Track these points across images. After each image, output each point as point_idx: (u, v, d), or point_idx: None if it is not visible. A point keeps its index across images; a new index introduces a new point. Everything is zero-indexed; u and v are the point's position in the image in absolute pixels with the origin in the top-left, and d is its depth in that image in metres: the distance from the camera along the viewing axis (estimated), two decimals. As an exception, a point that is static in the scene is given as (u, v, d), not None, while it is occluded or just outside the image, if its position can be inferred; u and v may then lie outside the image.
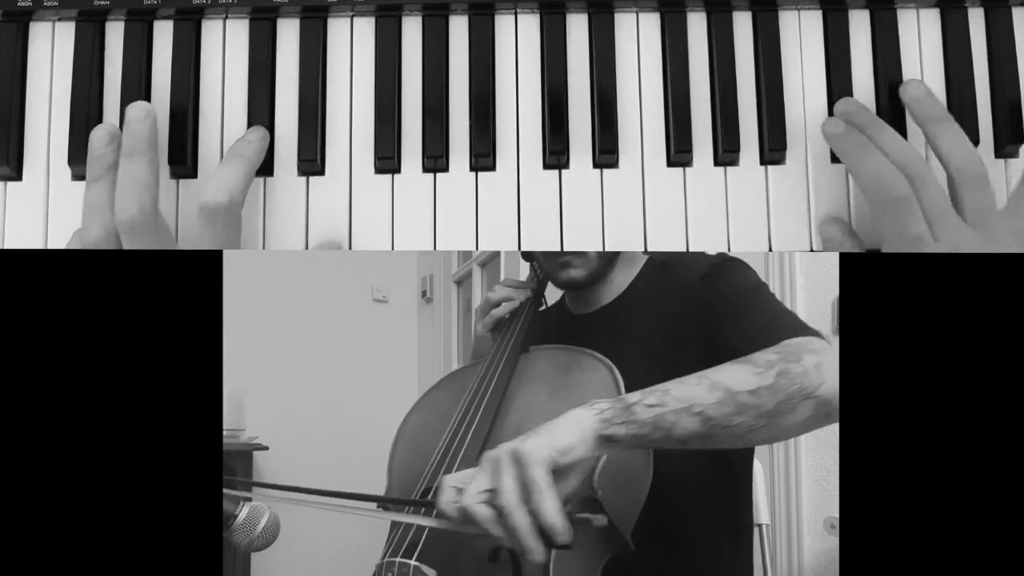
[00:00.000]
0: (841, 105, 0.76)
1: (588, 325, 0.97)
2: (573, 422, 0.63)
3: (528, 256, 1.01)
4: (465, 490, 0.62)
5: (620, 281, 0.97)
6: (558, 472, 0.61)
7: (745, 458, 0.93)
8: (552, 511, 0.59)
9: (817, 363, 0.69)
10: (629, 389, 0.73)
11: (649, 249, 0.78)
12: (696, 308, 0.89)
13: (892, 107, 0.78)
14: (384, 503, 0.77)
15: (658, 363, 0.75)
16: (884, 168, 0.70)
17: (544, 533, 0.59)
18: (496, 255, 2.85)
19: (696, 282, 0.91)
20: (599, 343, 0.85)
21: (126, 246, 0.71)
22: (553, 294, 1.02)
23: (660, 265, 0.97)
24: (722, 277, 0.89)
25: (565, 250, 0.77)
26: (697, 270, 0.92)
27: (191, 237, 0.73)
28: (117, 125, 0.75)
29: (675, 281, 0.93)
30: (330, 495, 0.68)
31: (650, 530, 0.78)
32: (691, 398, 0.65)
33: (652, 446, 0.67)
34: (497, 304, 0.97)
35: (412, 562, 0.71)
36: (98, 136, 0.72)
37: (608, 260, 0.94)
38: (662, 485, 0.79)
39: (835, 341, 0.72)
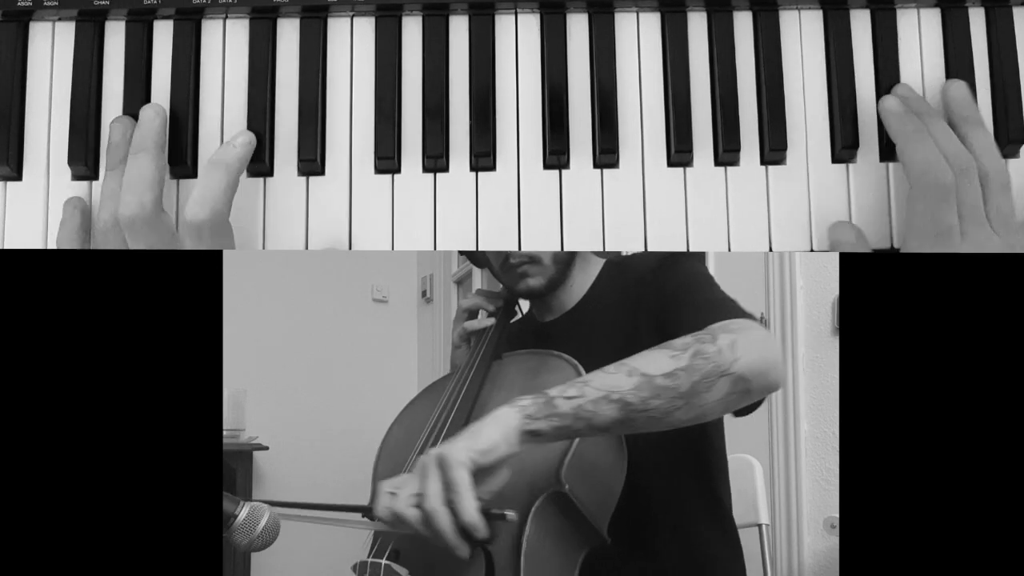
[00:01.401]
0: (900, 90, 0.78)
1: (555, 332, 0.97)
2: (495, 420, 0.66)
3: (472, 258, 1.01)
4: (397, 495, 0.65)
5: (580, 284, 0.98)
6: (485, 471, 0.64)
7: (718, 446, 0.93)
8: (468, 510, 0.62)
9: (731, 341, 0.70)
10: None
11: (649, 249, 0.78)
12: (648, 301, 0.90)
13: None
14: (325, 509, 0.78)
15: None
16: (934, 154, 0.72)
17: (465, 531, 0.63)
18: (496, 255, 2.85)
19: (647, 275, 0.91)
20: (567, 348, 0.85)
21: (128, 240, 0.72)
22: (526, 304, 1.03)
23: (616, 266, 0.98)
24: (669, 268, 0.90)
25: (517, 254, 0.78)
26: (649, 264, 0.92)
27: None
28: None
29: (630, 278, 0.94)
30: (304, 507, 0.72)
31: (628, 522, 0.78)
32: (609, 386, 0.67)
33: (576, 436, 0.69)
34: (468, 311, 0.98)
35: (383, 561, 0.74)
36: (114, 128, 0.75)
37: (565, 263, 0.95)
38: (636, 478, 0.79)
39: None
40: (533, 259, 0.92)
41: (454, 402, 0.85)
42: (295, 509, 0.72)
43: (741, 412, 0.81)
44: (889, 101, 0.76)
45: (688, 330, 0.74)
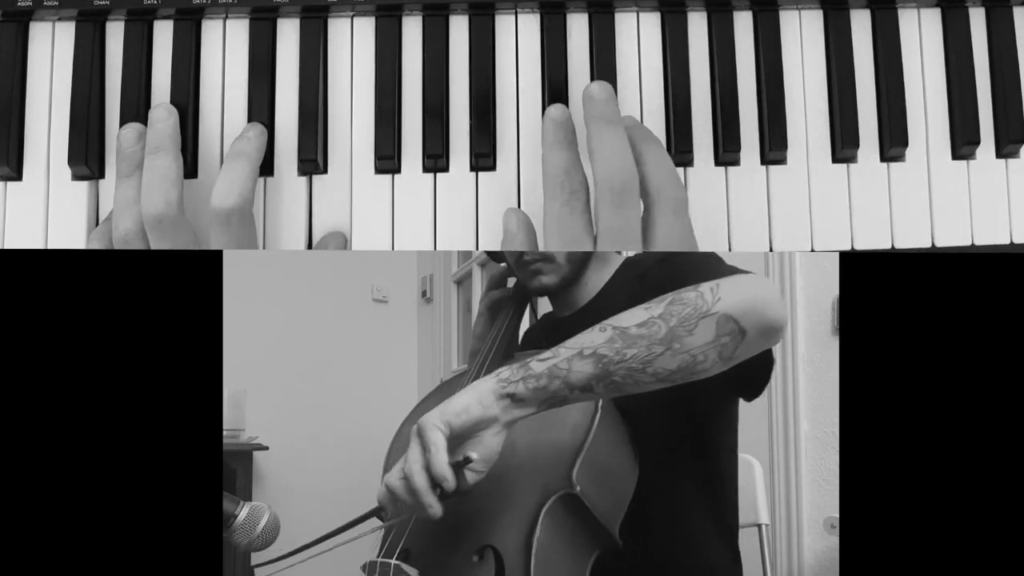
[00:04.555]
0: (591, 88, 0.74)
1: (567, 325, 0.97)
2: (471, 387, 0.67)
3: (492, 254, 1.01)
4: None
5: (595, 282, 0.98)
6: (462, 435, 0.66)
7: (729, 451, 0.93)
8: (437, 463, 0.64)
9: (713, 285, 0.68)
10: None
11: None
12: (655, 287, 0.90)
13: (892, 106, 0.79)
14: (339, 532, 0.78)
15: None
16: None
17: (439, 488, 0.64)
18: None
19: (653, 265, 0.91)
20: None
21: (152, 241, 0.71)
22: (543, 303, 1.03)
23: (632, 263, 0.98)
24: (675, 256, 0.90)
25: (531, 252, 0.77)
26: (656, 256, 0.92)
27: (208, 243, 0.73)
28: (140, 124, 0.76)
29: (639, 271, 0.94)
30: (325, 540, 0.72)
31: (637, 525, 0.78)
32: (582, 343, 0.67)
33: (556, 400, 0.68)
34: (494, 278, 1.00)
35: (392, 561, 0.73)
36: (126, 135, 0.74)
37: (579, 263, 0.94)
38: (647, 481, 0.79)
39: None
40: (546, 257, 0.91)
41: None
42: (310, 550, 0.72)
43: (750, 392, 0.79)
44: (553, 110, 0.73)
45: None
